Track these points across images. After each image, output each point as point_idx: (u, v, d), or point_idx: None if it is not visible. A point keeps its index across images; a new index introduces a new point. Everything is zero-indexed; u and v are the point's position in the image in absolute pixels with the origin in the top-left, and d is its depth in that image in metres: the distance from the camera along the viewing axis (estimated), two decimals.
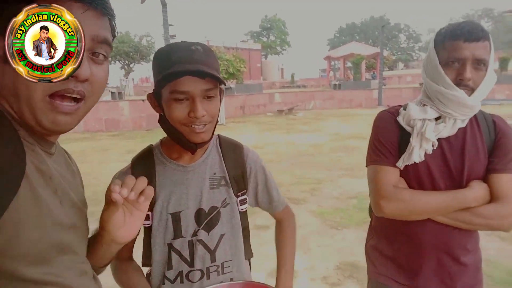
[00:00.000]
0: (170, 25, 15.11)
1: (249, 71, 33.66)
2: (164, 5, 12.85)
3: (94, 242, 0.78)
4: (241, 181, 1.05)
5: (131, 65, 38.77)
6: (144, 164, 1.00)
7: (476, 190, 1.07)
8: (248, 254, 1.10)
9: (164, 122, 0.94)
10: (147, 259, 1.02)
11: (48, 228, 0.59)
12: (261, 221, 3.83)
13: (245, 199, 1.07)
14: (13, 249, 0.54)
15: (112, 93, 14.15)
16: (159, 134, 1.04)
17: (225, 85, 0.93)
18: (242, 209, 1.06)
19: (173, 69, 0.85)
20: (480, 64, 1.04)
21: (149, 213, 0.98)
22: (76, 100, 0.61)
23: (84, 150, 8.82)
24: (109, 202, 0.72)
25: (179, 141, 0.94)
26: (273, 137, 10.45)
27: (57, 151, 0.71)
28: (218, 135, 1.09)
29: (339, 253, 3.34)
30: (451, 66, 1.06)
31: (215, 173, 1.02)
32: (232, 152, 1.07)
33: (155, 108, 0.97)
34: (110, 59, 0.69)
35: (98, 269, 0.81)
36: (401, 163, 1.12)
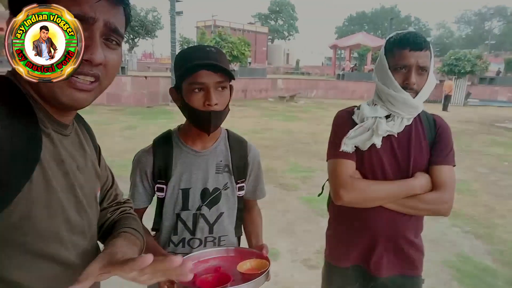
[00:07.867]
0: (177, 1, 14.97)
1: (254, 54, 33.41)
2: None
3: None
4: (242, 171, 1.25)
5: (136, 40, 38.41)
6: (164, 145, 1.20)
7: (420, 179, 1.22)
8: (238, 232, 1.30)
9: (185, 109, 1.12)
10: (157, 224, 1.23)
11: (57, 208, 0.63)
12: None
13: (243, 186, 1.27)
14: (25, 225, 0.58)
15: None
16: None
17: (234, 78, 1.10)
18: (239, 194, 1.26)
19: (193, 64, 1.04)
20: (423, 70, 1.19)
21: (164, 186, 1.18)
22: (91, 80, 0.63)
23: None
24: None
25: (199, 123, 1.11)
26: (271, 123, 10.55)
27: (73, 132, 0.74)
28: (227, 129, 1.28)
29: (321, 238, 3.50)
30: (399, 71, 1.20)
31: (221, 161, 1.22)
32: (238, 146, 1.26)
33: (176, 100, 1.16)
34: None
35: None
36: (343, 144, 1.25)
